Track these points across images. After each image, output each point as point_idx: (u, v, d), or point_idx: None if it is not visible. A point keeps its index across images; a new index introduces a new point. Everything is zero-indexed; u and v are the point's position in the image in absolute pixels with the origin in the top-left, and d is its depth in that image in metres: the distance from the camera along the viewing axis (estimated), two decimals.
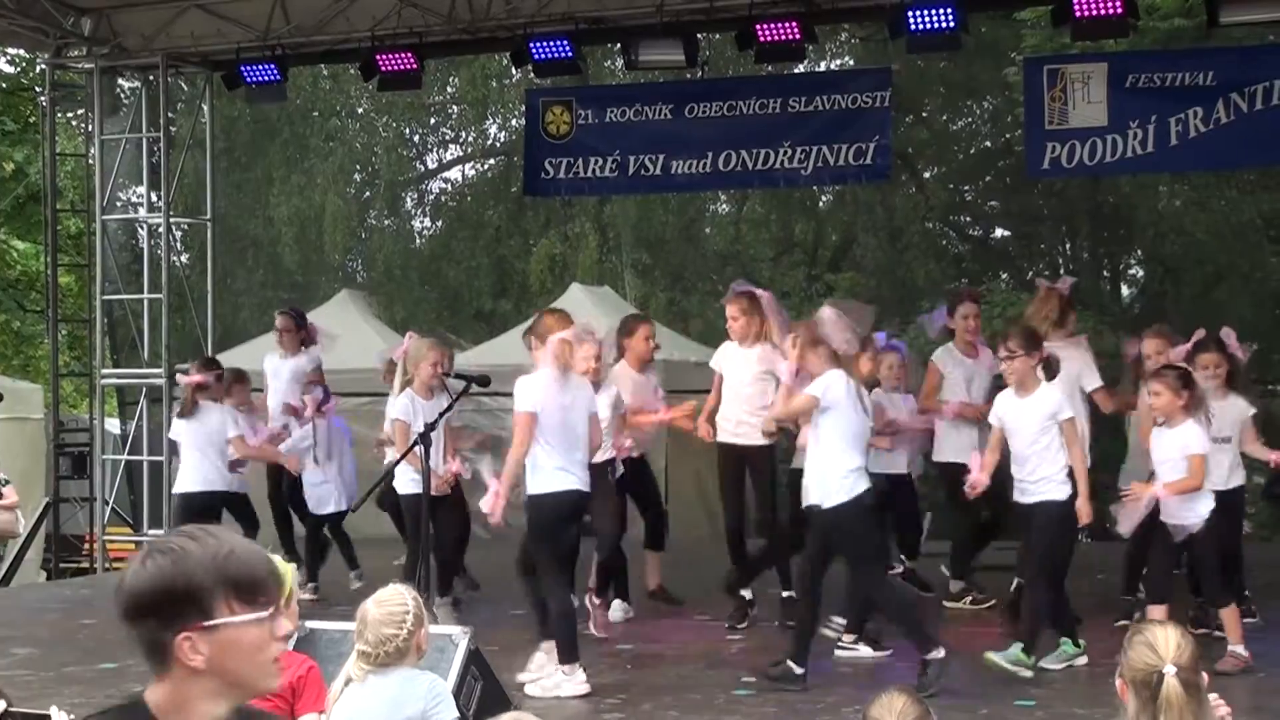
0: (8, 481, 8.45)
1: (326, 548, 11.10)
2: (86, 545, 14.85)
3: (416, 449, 7.99)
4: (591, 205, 22.32)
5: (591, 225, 23.00)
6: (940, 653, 7.56)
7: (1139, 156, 11.66)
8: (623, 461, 9.30)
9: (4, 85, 24.66)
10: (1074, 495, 7.92)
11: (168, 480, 12.37)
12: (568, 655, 7.71)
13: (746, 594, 9.63)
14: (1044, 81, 11.79)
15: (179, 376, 10.88)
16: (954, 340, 10.06)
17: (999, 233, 24.99)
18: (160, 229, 14.28)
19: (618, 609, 9.77)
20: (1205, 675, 3.69)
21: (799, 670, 7.71)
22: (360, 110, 24.36)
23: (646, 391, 9.67)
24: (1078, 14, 10.86)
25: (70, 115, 20.05)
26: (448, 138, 26.22)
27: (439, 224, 25.87)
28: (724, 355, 9.62)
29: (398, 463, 8.66)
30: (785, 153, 12.48)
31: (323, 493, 10.86)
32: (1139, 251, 23.36)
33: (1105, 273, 23.54)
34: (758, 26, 11.64)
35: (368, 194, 24.77)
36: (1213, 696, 3.73)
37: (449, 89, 24.32)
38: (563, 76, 13.09)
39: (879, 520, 8.50)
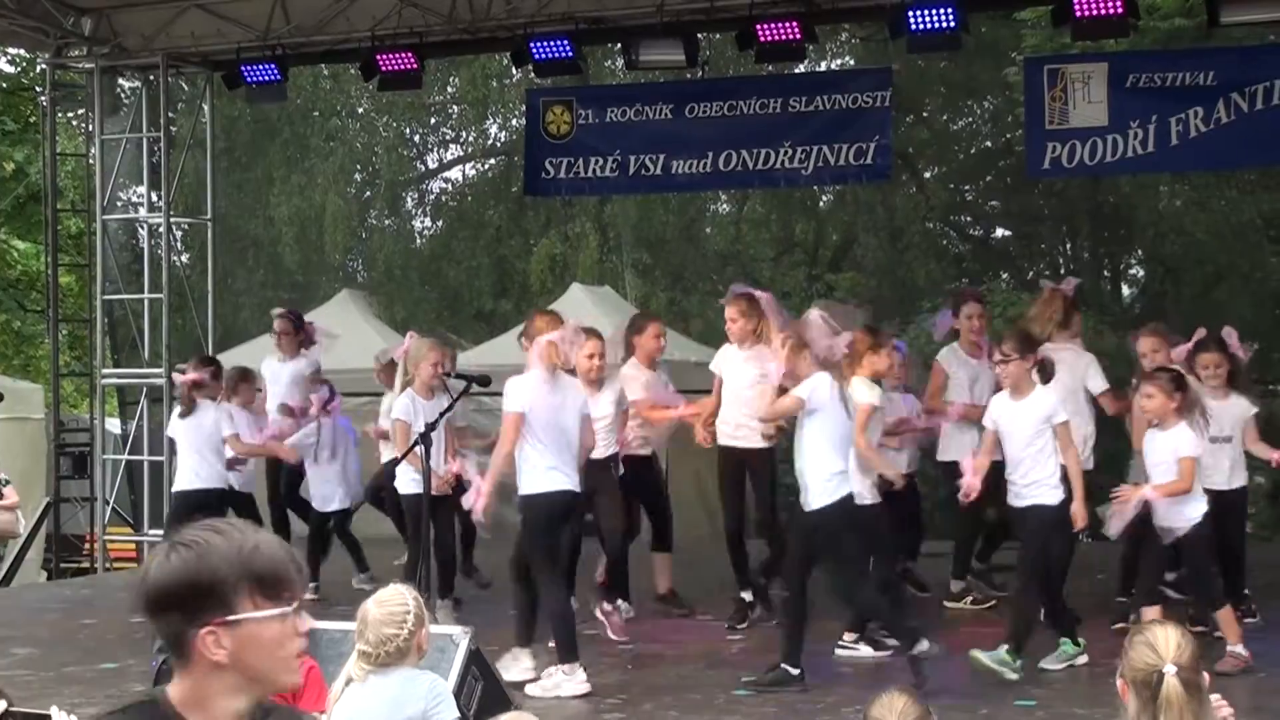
0: (8, 481, 8.45)
1: (328, 545, 11.09)
2: (87, 545, 14.85)
3: (417, 449, 8.01)
4: (592, 205, 22.32)
5: (592, 225, 23.01)
6: (924, 644, 7.59)
7: (1139, 156, 11.66)
8: (625, 460, 9.29)
9: (4, 85, 24.66)
10: (1067, 499, 7.90)
11: (168, 480, 12.36)
12: (567, 655, 7.73)
13: (747, 596, 9.63)
14: (1044, 81, 11.78)
15: (175, 375, 10.86)
16: (959, 340, 10.05)
17: (999, 233, 25.00)
18: (160, 229, 14.28)
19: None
20: (1207, 675, 3.69)
21: (795, 671, 7.72)
22: (360, 110, 24.36)
23: (660, 388, 9.66)
24: (1078, 14, 10.86)
25: (70, 115, 20.05)
26: (448, 138, 26.24)
27: (439, 224, 25.88)
28: (723, 358, 9.61)
29: (398, 462, 8.68)
30: (786, 153, 12.48)
31: (327, 491, 10.87)
32: (1139, 251, 23.37)
33: (1105, 273, 23.55)
34: (758, 26, 11.64)
35: (368, 194, 24.78)
36: (1215, 698, 3.73)
37: (449, 89, 24.33)
38: (563, 76, 13.10)
39: (883, 518, 8.50)
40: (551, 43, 12.11)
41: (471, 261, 23.85)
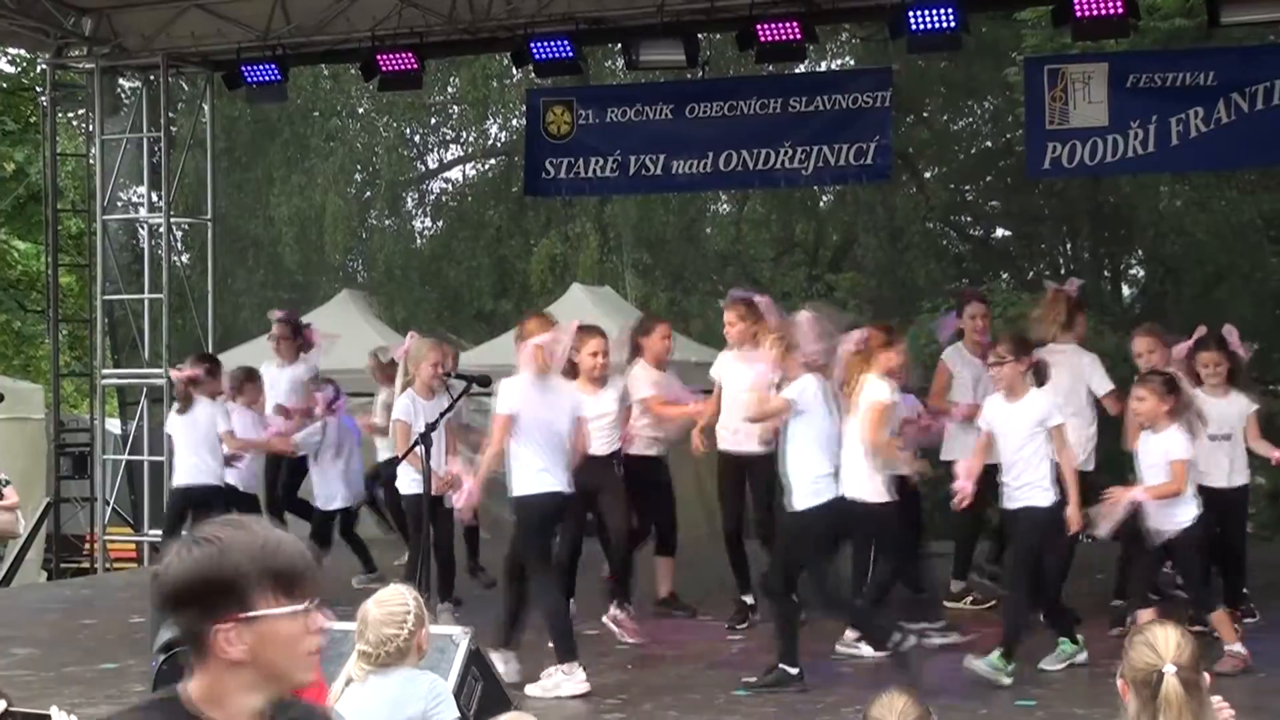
0: (8, 482, 8.44)
1: (329, 544, 11.09)
2: (87, 545, 14.84)
3: (417, 449, 8.01)
4: (592, 205, 22.32)
5: (592, 225, 23.01)
6: (898, 637, 7.60)
7: (1139, 156, 11.66)
8: (634, 460, 9.28)
9: (4, 85, 24.66)
10: (1060, 501, 7.87)
11: (168, 480, 12.36)
12: (566, 655, 7.73)
13: (748, 599, 9.62)
14: (1044, 81, 11.78)
15: (171, 371, 10.86)
16: (963, 340, 10.03)
17: (1000, 233, 24.99)
18: (161, 229, 14.28)
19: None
20: (1207, 676, 3.69)
21: (793, 670, 7.71)
22: (361, 110, 24.37)
23: (672, 387, 9.65)
24: (1078, 14, 10.86)
25: (71, 115, 20.05)
26: (448, 138, 26.25)
27: (440, 224, 25.88)
28: (722, 364, 9.59)
29: (397, 462, 8.69)
30: (786, 153, 12.48)
31: (330, 490, 10.88)
32: (1139, 251, 23.35)
33: (1106, 273, 23.54)
34: (758, 26, 11.64)
35: (368, 194, 24.78)
36: (1215, 699, 3.73)
37: (449, 89, 24.33)
38: (563, 76, 13.10)
39: (895, 515, 8.48)
40: (552, 43, 12.11)
41: (472, 262, 23.85)
